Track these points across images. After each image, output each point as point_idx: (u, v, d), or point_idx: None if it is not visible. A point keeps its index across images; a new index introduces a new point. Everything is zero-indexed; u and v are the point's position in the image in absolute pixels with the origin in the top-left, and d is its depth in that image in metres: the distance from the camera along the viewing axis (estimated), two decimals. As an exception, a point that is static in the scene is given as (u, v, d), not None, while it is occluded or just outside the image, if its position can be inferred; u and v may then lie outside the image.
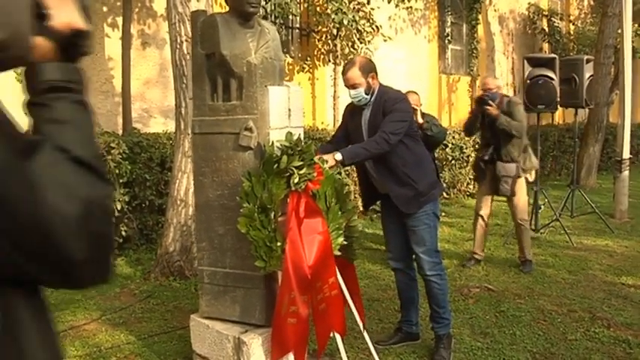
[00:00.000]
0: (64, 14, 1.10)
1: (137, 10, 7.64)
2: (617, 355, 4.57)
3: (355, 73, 4.16)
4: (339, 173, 8.05)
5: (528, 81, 7.89)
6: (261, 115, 3.48)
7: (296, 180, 3.30)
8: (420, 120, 6.39)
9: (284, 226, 3.35)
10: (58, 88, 1.10)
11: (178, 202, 5.93)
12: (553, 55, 8.32)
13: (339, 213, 3.66)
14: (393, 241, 4.68)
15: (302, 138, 3.63)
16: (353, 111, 4.42)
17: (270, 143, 3.44)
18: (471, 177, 10.82)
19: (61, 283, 1.06)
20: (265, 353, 3.50)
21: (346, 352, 4.35)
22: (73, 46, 1.13)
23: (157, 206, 6.82)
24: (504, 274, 6.50)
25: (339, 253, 3.68)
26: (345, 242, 3.74)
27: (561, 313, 5.38)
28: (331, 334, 3.68)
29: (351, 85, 4.18)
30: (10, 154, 0.96)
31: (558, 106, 8.27)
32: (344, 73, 4.23)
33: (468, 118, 7.05)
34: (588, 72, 8.83)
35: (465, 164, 10.65)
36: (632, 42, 12.13)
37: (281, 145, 3.40)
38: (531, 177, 6.93)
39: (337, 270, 3.80)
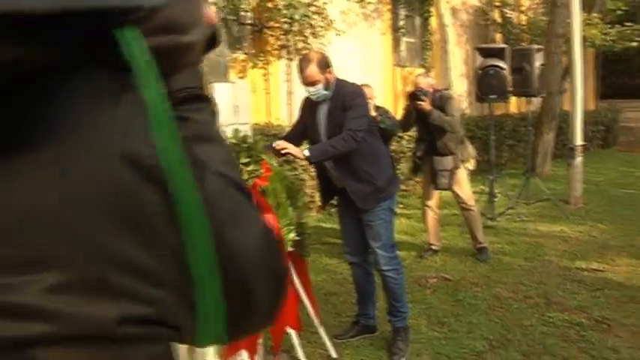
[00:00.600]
0: (206, 7, 0.91)
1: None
2: (571, 337, 4.66)
3: (313, 70, 4.10)
4: (295, 168, 8.05)
5: (480, 71, 7.98)
6: (207, 113, 3.44)
7: (244, 177, 3.28)
8: (374, 113, 6.40)
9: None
10: (198, 97, 0.90)
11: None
12: (503, 45, 8.44)
13: (290, 209, 3.65)
14: (350, 235, 4.66)
15: (249, 134, 3.62)
16: (309, 106, 4.37)
17: (217, 140, 3.41)
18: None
19: (236, 325, 0.86)
20: (218, 351, 3.48)
21: (303, 348, 4.37)
22: (209, 43, 0.93)
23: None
24: (461, 264, 6.57)
25: (291, 249, 3.67)
26: (298, 238, 3.73)
27: (517, 300, 5.46)
28: (287, 330, 3.68)
29: (309, 83, 4.13)
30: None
31: (510, 95, 8.38)
32: (301, 70, 4.15)
33: (402, 114, 7.08)
34: (539, 61, 8.95)
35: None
36: (583, 31, 12.37)
37: (228, 142, 3.38)
38: (472, 165, 6.99)
39: (291, 266, 3.81)
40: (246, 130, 3.62)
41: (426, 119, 6.48)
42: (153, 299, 0.76)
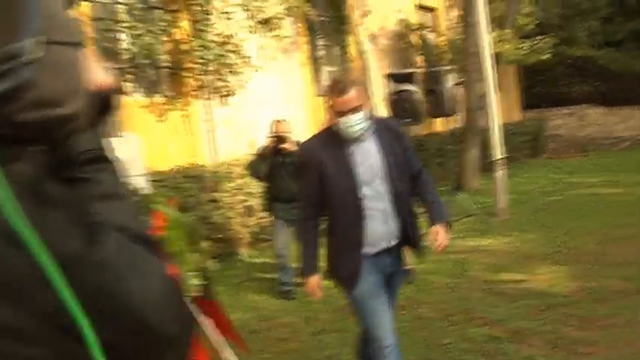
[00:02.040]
0: (94, 76, 0.98)
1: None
2: (489, 352, 4.79)
3: (358, 93, 3.43)
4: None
5: (393, 96, 8.18)
6: (97, 169, 3.48)
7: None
8: (293, 148, 6.52)
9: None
10: (98, 157, 0.95)
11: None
12: (412, 70, 8.69)
13: (192, 254, 3.69)
14: (386, 315, 3.72)
15: (143, 186, 3.65)
16: (330, 148, 3.55)
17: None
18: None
19: None
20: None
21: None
22: (105, 107, 1.00)
23: None
24: (387, 287, 6.67)
25: (195, 294, 3.70)
26: (203, 283, 3.76)
27: (439, 319, 5.59)
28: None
29: (352, 109, 3.39)
30: (82, 242, 0.86)
31: (424, 118, 8.60)
32: (339, 92, 3.40)
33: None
34: (450, 82, 9.22)
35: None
36: (497, 47, 12.78)
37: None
38: None
39: (202, 310, 3.83)
40: (140, 182, 3.66)
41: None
42: (33, 358, 0.84)
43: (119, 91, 1.06)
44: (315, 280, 3.76)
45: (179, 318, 0.94)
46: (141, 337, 0.89)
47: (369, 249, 3.58)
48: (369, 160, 3.52)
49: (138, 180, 3.63)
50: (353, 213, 3.53)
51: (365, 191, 3.51)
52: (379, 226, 3.54)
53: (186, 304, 0.99)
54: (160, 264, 0.94)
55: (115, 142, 3.04)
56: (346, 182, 3.49)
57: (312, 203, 3.66)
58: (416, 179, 3.68)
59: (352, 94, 3.38)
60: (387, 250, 3.63)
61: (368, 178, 3.50)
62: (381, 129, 3.56)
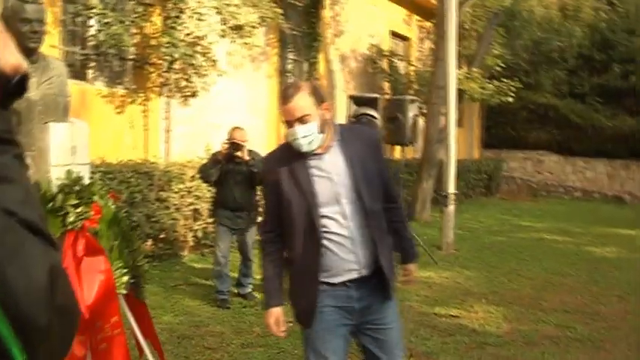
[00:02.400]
0: (8, 55, 0.98)
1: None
2: (414, 384, 4.80)
3: (305, 101, 2.96)
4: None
5: (352, 119, 8.21)
6: (40, 152, 3.41)
7: (71, 219, 3.25)
8: (247, 157, 6.49)
9: (59, 266, 3.27)
10: (2, 140, 0.94)
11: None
12: (376, 95, 8.74)
13: (125, 251, 3.63)
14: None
15: (86, 175, 3.59)
16: (283, 163, 3.11)
17: (49, 181, 3.37)
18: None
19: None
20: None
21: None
22: (14, 89, 0.99)
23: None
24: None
25: (124, 292, 3.64)
26: (132, 281, 3.71)
27: (369, 344, 5.56)
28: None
29: (298, 119, 2.95)
30: None
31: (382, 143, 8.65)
32: (286, 99, 2.99)
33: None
34: (412, 111, 9.31)
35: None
36: (462, 84, 12.96)
37: (59, 182, 3.35)
38: None
39: (128, 309, 3.77)
40: (83, 170, 3.59)
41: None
42: None
43: (28, 75, 1.03)
44: (274, 314, 3.27)
45: (59, 310, 0.92)
46: (13, 325, 0.86)
47: (328, 280, 3.05)
48: (330, 176, 3.02)
49: (80, 168, 3.56)
50: (309, 238, 3.03)
51: (324, 212, 3.01)
52: (342, 253, 3.03)
53: (74, 298, 0.98)
54: (48, 254, 0.92)
55: (61, 127, 2.98)
56: (301, 202, 3.02)
57: (274, 225, 3.22)
58: (389, 203, 3.19)
59: (298, 101, 2.95)
60: (356, 281, 3.06)
61: (328, 198, 3.02)
62: (350, 138, 3.09)
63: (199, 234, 8.94)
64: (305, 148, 2.98)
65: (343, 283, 3.05)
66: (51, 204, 3.25)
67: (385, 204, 3.15)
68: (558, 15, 21.85)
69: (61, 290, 0.93)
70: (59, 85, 3.59)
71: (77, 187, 3.34)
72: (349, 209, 3.02)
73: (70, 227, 3.28)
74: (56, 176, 3.41)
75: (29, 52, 3.49)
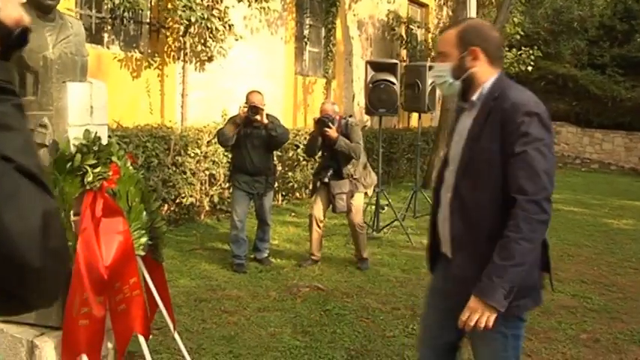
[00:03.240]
0: (11, 8, 1.03)
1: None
2: (430, 350, 4.77)
3: (449, 37, 2.64)
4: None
5: (370, 85, 8.11)
6: (57, 112, 3.37)
7: (90, 178, 3.23)
8: (265, 120, 6.43)
9: (77, 226, 3.26)
10: (3, 89, 1.01)
11: None
12: (395, 61, 8.62)
13: (143, 213, 3.61)
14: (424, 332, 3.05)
15: (104, 136, 3.56)
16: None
17: (67, 141, 3.34)
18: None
19: (15, 298, 0.99)
20: (59, 356, 3.40)
21: (160, 354, 4.34)
22: (15, 42, 1.05)
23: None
24: (338, 274, 6.65)
25: (142, 254, 3.63)
26: (150, 242, 3.70)
27: (384, 311, 5.56)
28: (134, 335, 3.62)
29: (438, 54, 2.74)
30: None
31: (400, 110, 8.57)
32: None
33: (308, 139, 7.17)
34: (431, 78, 9.17)
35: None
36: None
37: (77, 142, 3.32)
38: (370, 192, 7.19)
39: (145, 271, 3.76)
40: (101, 131, 3.56)
41: (331, 146, 6.57)
42: None
43: (29, 29, 1.09)
44: None
45: (52, 253, 0.98)
46: (6, 263, 0.92)
47: (442, 245, 2.81)
48: (458, 137, 2.70)
49: (98, 129, 3.53)
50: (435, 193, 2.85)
51: (446, 173, 2.76)
52: (439, 221, 2.79)
53: (65, 242, 1.08)
54: (43, 200, 0.98)
55: (80, 86, 2.94)
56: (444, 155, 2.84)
57: None
58: (512, 195, 2.46)
59: (444, 36, 2.69)
60: (447, 259, 2.77)
61: (450, 158, 2.76)
62: (494, 105, 2.53)
63: (215, 199, 8.93)
64: (440, 89, 2.77)
65: (444, 254, 2.81)
66: (69, 164, 3.23)
67: (501, 197, 2.51)
68: (580, -18, 21.49)
69: (54, 234, 0.98)
70: (77, 44, 3.54)
71: (95, 148, 3.31)
72: (451, 180, 2.68)
73: (88, 187, 3.26)
74: (74, 136, 3.38)
75: (46, 9, 3.45)
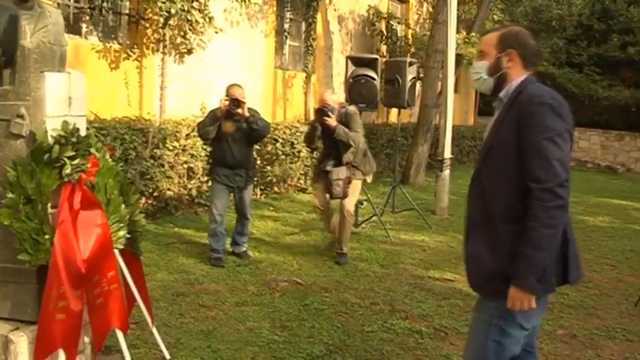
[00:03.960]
0: None
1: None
2: (409, 345, 4.79)
3: (490, 38, 2.89)
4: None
5: (351, 80, 8.11)
6: (35, 102, 3.32)
7: (68, 171, 3.18)
8: (247, 114, 6.40)
9: (55, 219, 3.21)
10: None
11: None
12: (375, 56, 8.64)
13: (122, 206, 3.57)
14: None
15: (82, 127, 3.51)
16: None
17: (45, 132, 3.28)
18: (302, 172, 11.00)
19: None
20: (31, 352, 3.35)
21: (139, 348, 4.30)
22: None
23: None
24: (317, 268, 6.64)
25: (121, 247, 3.59)
26: (129, 236, 3.65)
27: (363, 306, 5.56)
28: (112, 329, 3.58)
29: (478, 53, 2.97)
30: None
31: (380, 106, 8.58)
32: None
33: (307, 129, 7.20)
34: (411, 74, 9.21)
35: (296, 159, 10.78)
36: (460, 49, 12.84)
37: (55, 134, 3.27)
38: (370, 179, 7.27)
39: (123, 264, 3.72)
40: (80, 122, 3.51)
41: (331, 134, 6.63)
42: None
43: None
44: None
45: None
46: None
47: None
48: (488, 129, 2.92)
49: (77, 120, 3.48)
50: None
51: (479, 164, 2.92)
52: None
53: None
54: None
55: (58, 77, 2.89)
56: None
57: None
58: (528, 183, 2.64)
59: (485, 37, 2.94)
60: (465, 239, 3.03)
61: (481, 151, 2.96)
62: (515, 100, 2.74)
63: (194, 192, 8.87)
64: (476, 85, 2.98)
65: None
66: (47, 155, 3.18)
67: (516, 185, 2.69)
68: (559, -18, 21.64)
69: None
70: (55, 33, 3.48)
71: (74, 139, 3.26)
72: (477, 172, 2.91)
73: (66, 179, 3.21)
74: (52, 127, 3.33)
75: (25, -1, 3.38)
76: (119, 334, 3.54)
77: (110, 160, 3.57)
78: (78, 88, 3.56)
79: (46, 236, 3.16)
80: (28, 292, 3.43)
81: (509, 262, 2.65)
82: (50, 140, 3.24)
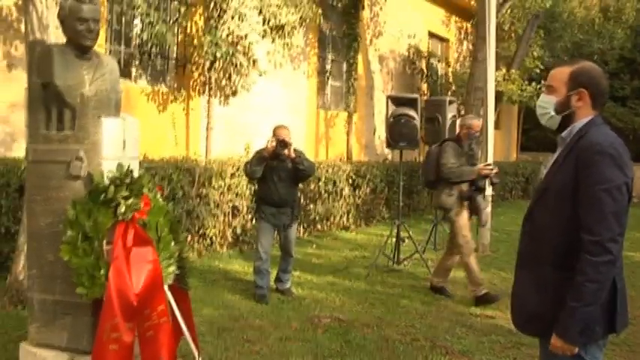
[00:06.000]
0: None
1: (3, 30, 7.53)
2: (449, 380, 4.85)
3: (560, 74, 2.82)
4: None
5: (391, 119, 8.27)
6: (92, 146, 3.56)
7: (122, 210, 3.39)
8: (293, 154, 6.59)
9: (110, 255, 3.42)
10: None
11: (32, 230, 5.85)
12: (415, 96, 8.79)
13: (172, 243, 3.76)
14: None
15: (135, 169, 3.73)
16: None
17: (101, 173, 3.51)
18: (344, 210, 11.15)
19: None
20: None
21: (185, 380, 4.44)
22: None
23: (12, 234, 6.68)
24: (359, 305, 6.73)
25: (170, 282, 3.77)
26: (178, 272, 3.84)
27: (404, 342, 5.62)
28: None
29: (546, 87, 2.90)
30: None
31: (421, 144, 8.72)
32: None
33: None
34: (451, 112, 9.35)
35: (339, 197, 10.95)
36: (500, 86, 12.93)
37: (111, 175, 3.49)
38: None
39: (172, 299, 3.90)
40: (133, 164, 3.73)
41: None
42: None
43: None
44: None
45: None
46: None
47: None
48: (548, 166, 2.89)
49: (130, 162, 3.70)
50: None
51: (533, 203, 2.94)
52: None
53: None
54: None
55: (114, 122, 3.14)
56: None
57: None
58: (582, 234, 2.61)
59: (555, 71, 2.85)
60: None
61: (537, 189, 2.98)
62: (578, 145, 2.70)
63: (238, 230, 9.08)
64: (541, 119, 2.91)
65: None
66: (103, 195, 3.40)
67: (566, 228, 2.68)
68: (599, 16, 21.58)
69: None
70: (112, 81, 3.74)
71: (128, 180, 3.48)
72: (530, 210, 2.92)
73: (121, 218, 3.42)
74: (108, 169, 3.56)
75: (84, 50, 3.65)
76: (168, 366, 3.70)
77: (161, 199, 3.78)
78: (131, 132, 3.80)
79: (102, 271, 3.36)
80: (84, 324, 3.64)
81: (553, 306, 2.67)
82: (106, 181, 3.47)
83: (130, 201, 3.43)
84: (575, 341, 2.64)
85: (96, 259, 3.37)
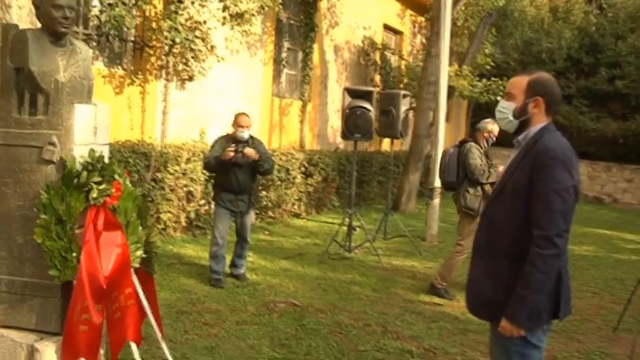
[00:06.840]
0: None
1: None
2: (400, 364, 5.08)
3: (519, 82, 3.09)
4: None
5: (347, 111, 8.45)
6: (65, 131, 3.63)
7: (94, 195, 3.48)
8: (256, 157, 6.69)
9: (81, 238, 3.51)
10: None
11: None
12: (371, 89, 9.00)
13: (140, 228, 3.86)
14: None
15: (106, 155, 3.82)
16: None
17: (73, 159, 3.59)
18: (296, 198, 11.32)
19: None
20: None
21: (146, 361, 4.56)
22: None
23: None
24: (312, 291, 6.93)
25: (137, 266, 3.88)
26: (145, 256, 3.95)
27: (357, 327, 5.84)
28: (127, 342, 3.86)
29: (506, 93, 3.17)
30: None
31: (374, 135, 8.93)
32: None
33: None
34: (404, 106, 9.58)
35: (291, 185, 11.11)
36: (452, 81, 13.23)
37: (83, 160, 3.58)
38: None
39: (137, 282, 4.01)
40: (103, 150, 3.82)
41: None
42: None
43: None
44: None
45: None
46: None
47: None
48: (505, 167, 3.25)
49: (101, 148, 3.79)
50: None
51: (491, 200, 3.30)
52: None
53: None
54: None
55: (86, 108, 3.25)
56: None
57: None
58: (533, 229, 2.90)
59: (514, 79, 3.13)
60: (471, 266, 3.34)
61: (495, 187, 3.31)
62: (531, 148, 2.99)
63: (192, 215, 9.15)
64: (499, 123, 3.19)
65: None
66: (76, 180, 3.48)
67: (520, 224, 2.96)
68: (549, 16, 22.16)
69: None
70: (85, 68, 3.82)
71: (99, 166, 3.57)
72: (488, 206, 3.27)
73: (92, 202, 3.51)
74: (80, 154, 3.64)
75: (59, 36, 3.71)
76: (133, 346, 3.82)
77: (129, 185, 3.88)
78: (102, 119, 3.88)
79: (74, 254, 3.45)
80: (53, 305, 3.72)
81: (506, 294, 2.94)
82: (78, 166, 3.55)
83: (102, 186, 3.52)
84: (522, 325, 2.93)
85: (68, 243, 3.46)
